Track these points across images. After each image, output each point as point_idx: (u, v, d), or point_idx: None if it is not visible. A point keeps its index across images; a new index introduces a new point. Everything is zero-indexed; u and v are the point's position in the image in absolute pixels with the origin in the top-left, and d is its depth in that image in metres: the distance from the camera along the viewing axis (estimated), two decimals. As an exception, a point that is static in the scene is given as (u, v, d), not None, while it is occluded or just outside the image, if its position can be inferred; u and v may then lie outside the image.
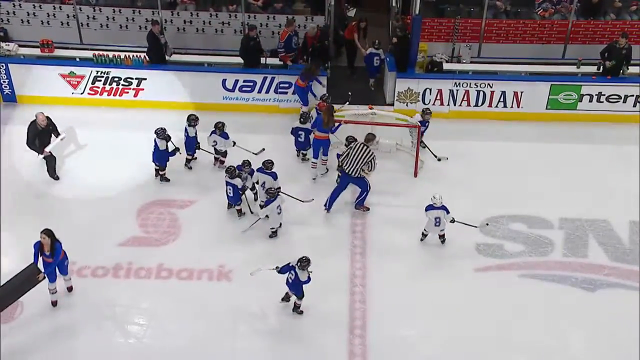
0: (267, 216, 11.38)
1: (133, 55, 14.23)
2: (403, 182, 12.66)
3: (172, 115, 13.34)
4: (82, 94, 14.34)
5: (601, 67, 14.19)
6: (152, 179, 12.50)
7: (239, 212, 11.87)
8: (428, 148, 13.08)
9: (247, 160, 11.72)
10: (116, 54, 14.27)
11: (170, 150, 12.29)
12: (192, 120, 12.45)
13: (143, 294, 10.61)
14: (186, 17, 14.99)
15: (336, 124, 12.61)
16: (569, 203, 12.20)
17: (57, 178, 12.42)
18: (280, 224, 11.49)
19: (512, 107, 14.30)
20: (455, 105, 14.30)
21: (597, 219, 11.90)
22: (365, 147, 11.61)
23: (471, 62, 14.90)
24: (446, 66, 14.58)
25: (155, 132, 12.10)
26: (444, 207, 11.05)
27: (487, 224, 11.61)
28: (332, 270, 10.82)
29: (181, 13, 14.98)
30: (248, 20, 14.89)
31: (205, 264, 10.98)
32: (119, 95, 14.39)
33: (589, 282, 10.84)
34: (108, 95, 14.38)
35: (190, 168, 12.80)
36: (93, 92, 14.36)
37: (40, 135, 12.13)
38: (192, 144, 12.65)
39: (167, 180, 12.54)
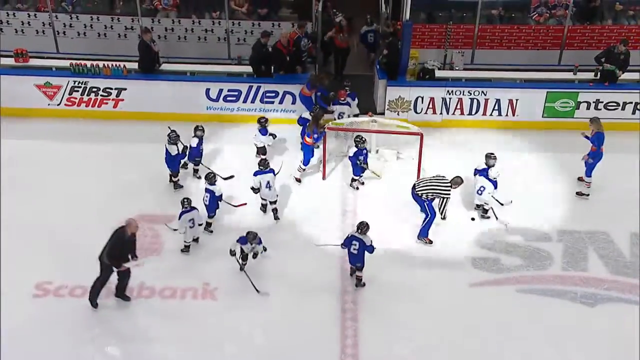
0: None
1: (112, 65, 14.26)
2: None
3: (153, 127, 13.33)
4: (58, 105, 14.35)
5: (598, 73, 14.32)
6: (133, 194, 12.48)
7: (208, 225, 11.81)
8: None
9: (253, 232, 10.90)
10: (94, 63, 14.30)
11: (180, 152, 12.44)
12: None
13: (124, 314, 10.55)
14: (167, 24, 15.05)
15: (319, 133, 12.70)
16: (568, 214, 12.28)
17: (127, 299, 10.67)
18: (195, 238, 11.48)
19: (507, 115, 14.42)
20: (448, 114, 14.40)
21: (597, 230, 11.97)
22: (449, 185, 11.40)
23: (464, 69, 15.03)
24: (438, 73, 14.70)
25: (168, 136, 12.25)
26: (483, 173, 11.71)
27: (507, 225, 11.95)
28: (321, 288, 10.85)
29: (162, 20, 15.04)
30: (232, 27, 14.97)
31: (190, 282, 10.93)
32: (98, 107, 14.41)
33: (589, 297, 10.88)
34: (86, 106, 14.40)
35: (200, 177, 12.76)
36: (70, 104, 14.37)
37: (126, 245, 10.31)
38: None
39: (181, 187, 12.67)
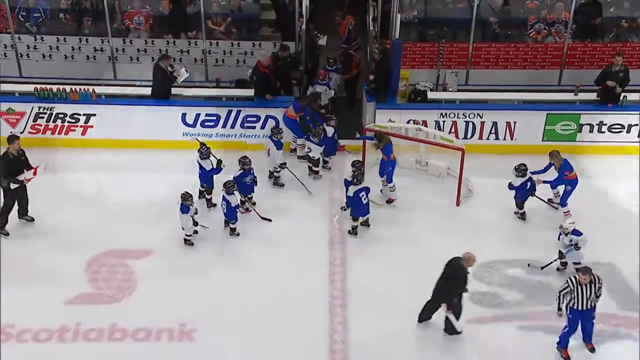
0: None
1: (80, 89, 14.28)
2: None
3: (126, 155, 13.34)
4: (22, 133, 14.23)
5: (599, 95, 14.47)
6: (104, 227, 12.47)
7: (232, 230, 12.37)
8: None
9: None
10: (61, 87, 14.30)
11: (215, 167, 12.68)
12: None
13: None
14: (140, 45, 15.13)
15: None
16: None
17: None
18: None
19: (504, 139, 14.54)
20: (442, 138, 14.51)
21: (601, 262, 11.96)
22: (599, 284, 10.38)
23: (458, 90, 15.14)
24: (431, 95, 14.78)
25: (199, 152, 12.59)
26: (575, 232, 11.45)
27: (529, 265, 11.98)
28: (309, 321, 10.87)
29: (134, 41, 15.12)
30: (210, 47, 15.08)
31: (165, 323, 10.90)
32: (65, 134, 14.42)
33: (597, 334, 10.83)
34: (52, 134, 14.40)
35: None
36: (35, 131, 14.37)
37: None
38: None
39: (214, 205, 12.85)
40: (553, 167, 12.72)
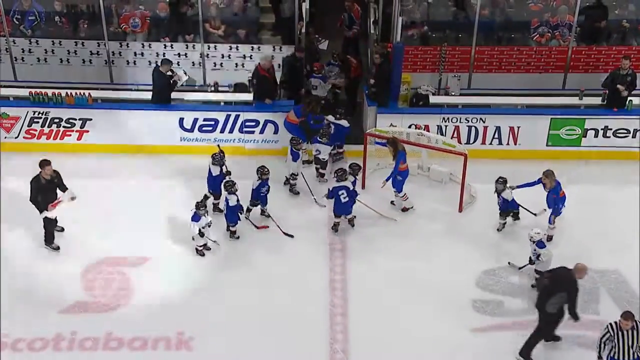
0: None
1: (76, 93, 14.28)
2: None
3: (123, 160, 13.34)
4: (16, 138, 14.34)
5: (605, 98, 14.50)
6: (100, 234, 12.46)
7: (232, 233, 12.46)
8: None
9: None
10: (56, 91, 14.30)
11: (224, 174, 12.69)
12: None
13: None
14: (137, 49, 15.14)
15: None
16: (576, 251, 12.30)
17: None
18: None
19: (508, 144, 14.56)
20: (444, 143, 14.52)
21: (608, 269, 12.02)
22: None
23: (461, 95, 15.15)
24: (432, 99, 14.80)
25: (212, 156, 12.62)
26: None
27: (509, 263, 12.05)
28: (309, 330, 10.85)
29: (131, 44, 15.13)
30: (208, 51, 15.09)
31: (162, 331, 10.88)
32: (60, 139, 14.42)
33: (602, 343, 10.89)
34: (47, 139, 14.40)
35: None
36: (30, 136, 14.38)
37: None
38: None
39: (220, 211, 12.76)
40: (542, 185, 12.33)
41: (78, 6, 15.32)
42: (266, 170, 12.61)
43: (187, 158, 13.94)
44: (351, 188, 12.46)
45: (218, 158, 12.65)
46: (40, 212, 11.75)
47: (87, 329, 10.90)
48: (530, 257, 11.70)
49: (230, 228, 12.49)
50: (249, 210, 12.78)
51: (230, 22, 15.32)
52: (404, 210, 13.30)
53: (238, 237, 12.52)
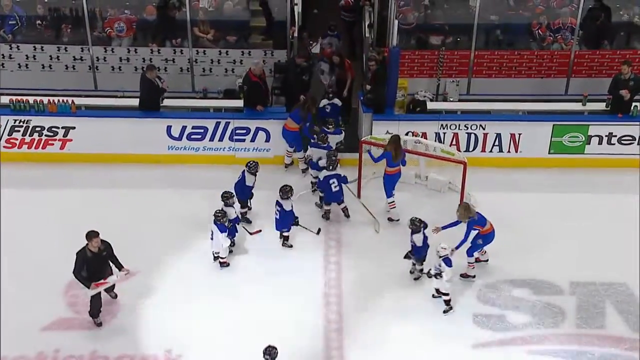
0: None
1: (58, 100, 14.22)
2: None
3: (108, 170, 13.27)
4: (-4, 147, 14.30)
5: (610, 104, 14.49)
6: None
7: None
8: None
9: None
10: (38, 99, 14.25)
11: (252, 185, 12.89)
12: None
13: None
14: (122, 54, 15.11)
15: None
16: (581, 264, 12.31)
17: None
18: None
19: (508, 151, 14.54)
20: (442, 151, 14.51)
21: (614, 282, 11.99)
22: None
23: (459, 100, 15.19)
24: (430, 105, 14.84)
25: (247, 165, 12.79)
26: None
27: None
28: (303, 347, 10.79)
29: (116, 49, 15.10)
30: (196, 56, 15.05)
31: (149, 349, 10.84)
32: (42, 148, 14.37)
33: (608, 358, 10.86)
34: (29, 148, 14.35)
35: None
36: (10, 145, 14.32)
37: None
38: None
39: (249, 222, 12.96)
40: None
41: (60, 10, 15.30)
42: (252, 163, 12.82)
43: (176, 167, 13.85)
44: (346, 177, 12.90)
45: (253, 166, 12.76)
46: (88, 287, 10.91)
47: (70, 346, 10.84)
48: (429, 270, 11.48)
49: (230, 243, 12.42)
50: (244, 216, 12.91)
51: (219, 26, 15.30)
52: (390, 220, 13.24)
53: (233, 245, 12.45)
